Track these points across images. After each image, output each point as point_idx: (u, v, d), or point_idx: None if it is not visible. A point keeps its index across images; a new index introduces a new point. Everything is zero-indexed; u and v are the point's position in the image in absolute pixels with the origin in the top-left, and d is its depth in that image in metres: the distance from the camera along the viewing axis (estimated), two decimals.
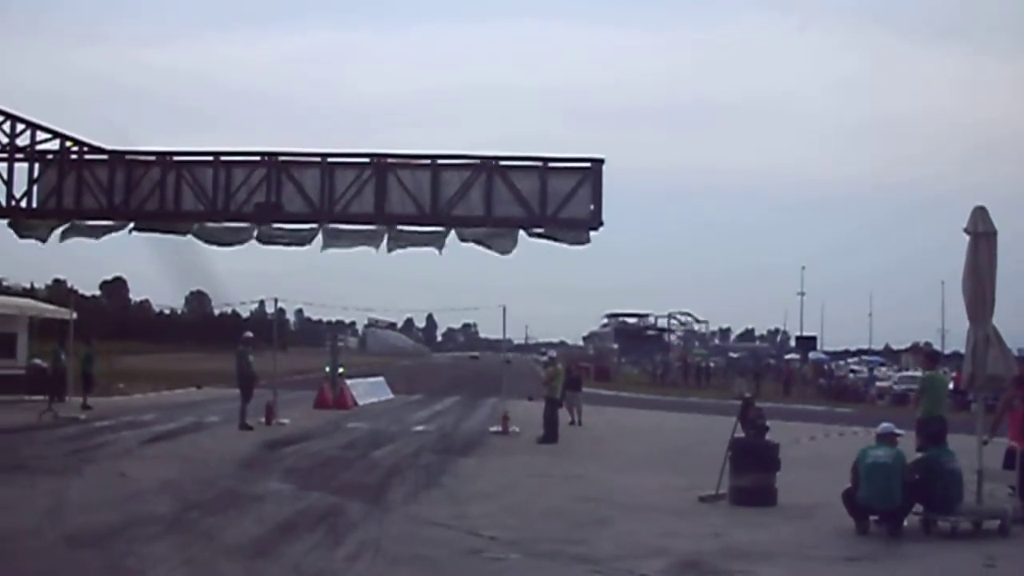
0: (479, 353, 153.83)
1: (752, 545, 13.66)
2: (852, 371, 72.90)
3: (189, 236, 26.85)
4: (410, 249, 26.63)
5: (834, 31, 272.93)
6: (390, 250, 26.44)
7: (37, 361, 37.35)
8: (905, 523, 14.37)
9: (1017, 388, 16.23)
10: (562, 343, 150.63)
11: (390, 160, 26.45)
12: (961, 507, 14.52)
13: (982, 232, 14.96)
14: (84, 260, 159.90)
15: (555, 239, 25.94)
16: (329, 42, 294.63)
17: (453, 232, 26.17)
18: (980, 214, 15.05)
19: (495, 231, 26.18)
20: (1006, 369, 15.22)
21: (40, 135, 28.18)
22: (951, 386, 26.45)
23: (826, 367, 77.78)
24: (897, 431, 14.85)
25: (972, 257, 14.97)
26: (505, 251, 26.43)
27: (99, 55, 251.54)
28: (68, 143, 28.52)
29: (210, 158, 27.12)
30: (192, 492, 16.90)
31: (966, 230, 15.06)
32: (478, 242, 26.24)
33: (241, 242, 26.80)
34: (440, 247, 26.38)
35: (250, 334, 30.84)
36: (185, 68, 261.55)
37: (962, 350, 16.13)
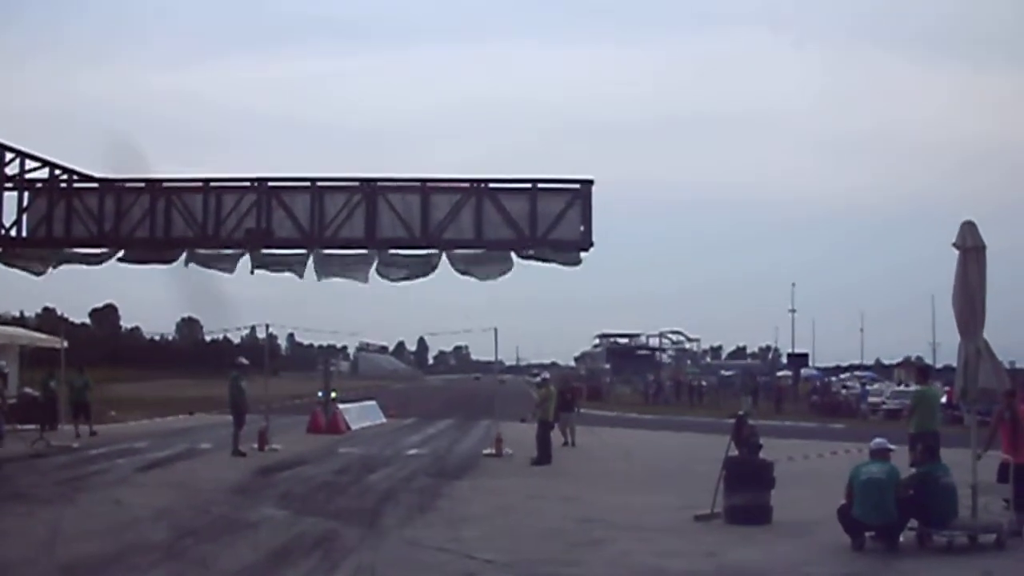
0: (480, 374, 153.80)
1: (748, 563, 13.68)
2: (845, 387, 73.00)
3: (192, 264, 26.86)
4: (403, 282, 26.62)
5: (826, 46, 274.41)
6: (382, 275, 26.41)
7: (28, 390, 37.24)
8: (901, 538, 14.40)
9: (1008, 401, 16.28)
10: (554, 364, 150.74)
11: (380, 184, 26.48)
12: (956, 521, 14.55)
13: (971, 247, 15.04)
14: (74, 288, 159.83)
15: (546, 261, 25.99)
16: (324, 63, 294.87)
17: (444, 258, 26.15)
18: (969, 229, 15.13)
19: (487, 254, 26.20)
20: (998, 383, 15.28)
21: (29, 163, 28.21)
22: (944, 400, 26.58)
23: (819, 383, 77.91)
24: (890, 446, 14.90)
25: (962, 272, 15.04)
26: (489, 277, 26.42)
27: (99, 80, 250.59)
28: (57, 171, 28.55)
29: (200, 184, 27.14)
30: (187, 519, 16.87)
31: (955, 245, 15.13)
32: (465, 272, 26.22)
33: (230, 269, 26.84)
34: (429, 272, 26.34)
35: (243, 360, 30.81)
36: (182, 91, 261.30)
37: (954, 364, 16.19)
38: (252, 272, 26.67)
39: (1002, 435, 16.53)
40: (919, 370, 25.46)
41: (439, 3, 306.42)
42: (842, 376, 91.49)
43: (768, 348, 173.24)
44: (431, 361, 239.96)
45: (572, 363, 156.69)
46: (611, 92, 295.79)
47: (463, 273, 26.17)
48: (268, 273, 26.92)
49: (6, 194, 27.97)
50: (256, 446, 28.94)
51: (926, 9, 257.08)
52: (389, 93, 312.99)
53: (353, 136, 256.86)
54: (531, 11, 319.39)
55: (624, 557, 14.10)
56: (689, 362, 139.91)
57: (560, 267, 26.15)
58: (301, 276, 26.72)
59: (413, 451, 30.98)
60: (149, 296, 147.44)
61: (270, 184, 26.68)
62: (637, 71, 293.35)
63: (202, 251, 26.88)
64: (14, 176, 28.09)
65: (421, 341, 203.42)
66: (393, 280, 26.47)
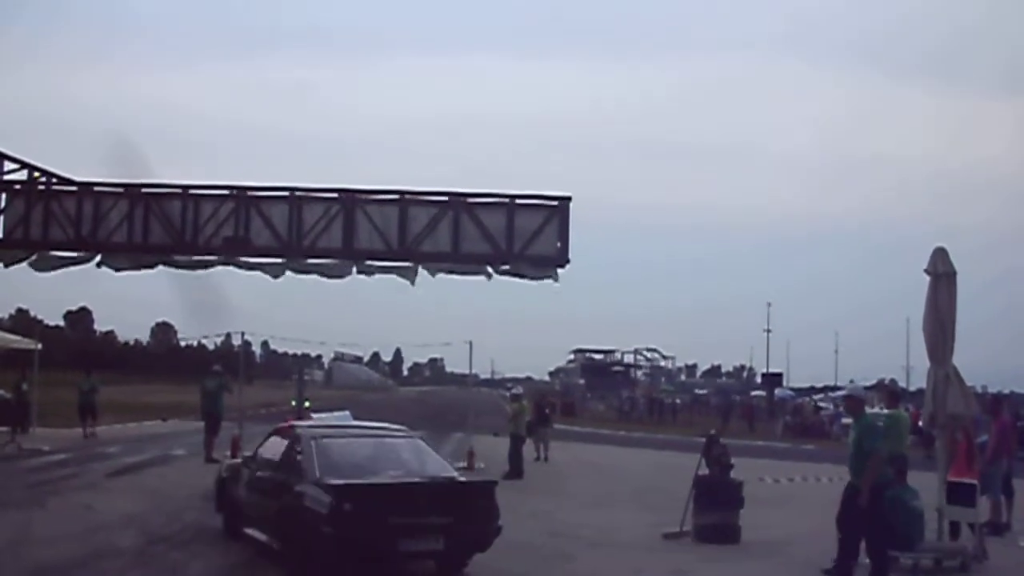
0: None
1: None
2: (819, 407, 73.25)
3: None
4: (379, 276, 26.60)
5: (808, 72, 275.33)
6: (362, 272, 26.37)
7: (0, 392, 37.07)
8: (867, 561, 14.53)
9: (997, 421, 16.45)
10: (529, 378, 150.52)
11: (358, 195, 26.49)
12: (923, 545, 14.69)
13: (942, 273, 15.21)
14: (48, 290, 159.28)
15: (522, 276, 26.01)
16: (297, 75, 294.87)
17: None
18: (940, 255, 15.30)
19: (463, 267, 26.24)
20: (966, 408, 15.43)
21: (8, 165, 28.10)
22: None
23: (793, 404, 78.22)
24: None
25: (932, 297, 15.20)
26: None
27: (76, 85, 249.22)
28: (36, 173, 28.47)
29: (178, 191, 27.09)
30: (158, 525, 16.86)
31: (926, 271, 15.29)
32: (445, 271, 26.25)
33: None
34: (412, 280, 26.35)
35: (217, 367, 30.78)
36: (157, 98, 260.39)
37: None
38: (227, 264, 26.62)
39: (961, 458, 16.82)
40: (889, 393, 25.46)
41: (414, 15, 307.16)
42: (816, 397, 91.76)
43: (743, 367, 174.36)
44: (406, 373, 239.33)
45: (547, 378, 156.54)
46: (589, 111, 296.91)
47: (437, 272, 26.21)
48: (241, 271, 26.87)
49: None
50: (229, 453, 28.88)
51: (912, 37, 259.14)
52: (363, 104, 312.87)
53: (327, 146, 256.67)
54: (508, 26, 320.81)
55: (592, 573, 14.21)
56: (663, 380, 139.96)
57: (536, 283, 26.18)
58: (275, 277, 26.68)
59: None
60: (124, 300, 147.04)
61: (248, 192, 26.66)
62: (617, 90, 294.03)
63: (179, 258, 26.82)
64: None
65: (397, 352, 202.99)
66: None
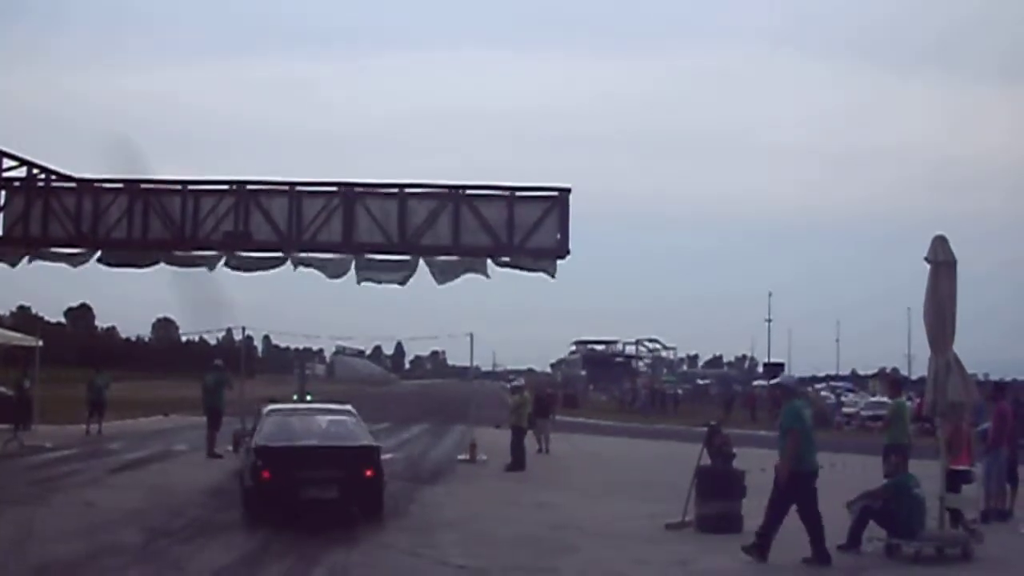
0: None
1: (719, 572, 13.82)
2: (820, 396, 73.18)
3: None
4: (380, 284, 26.55)
5: (809, 62, 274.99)
6: (359, 281, 26.30)
7: (2, 389, 37.07)
8: (869, 548, 14.57)
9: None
10: (530, 370, 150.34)
11: (358, 189, 26.43)
12: (924, 533, 14.70)
13: (942, 261, 15.19)
14: (49, 286, 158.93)
15: (523, 268, 25.98)
16: (298, 70, 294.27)
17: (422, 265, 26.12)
18: (940, 243, 15.28)
19: (462, 261, 26.19)
20: (966, 396, 15.43)
21: (7, 162, 28.06)
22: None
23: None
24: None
25: (933, 285, 15.18)
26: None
27: (77, 81, 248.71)
28: (35, 170, 28.43)
29: (178, 186, 27.05)
30: (160, 521, 16.88)
31: (927, 259, 15.28)
32: (443, 280, 26.18)
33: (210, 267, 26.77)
34: (406, 279, 26.29)
35: (219, 362, 30.80)
36: (157, 94, 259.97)
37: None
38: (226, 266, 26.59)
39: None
40: (891, 382, 25.58)
41: (411, 8, 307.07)
42: (817, 386, 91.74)
43: (744, 357, 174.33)
44: (407, 366, 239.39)
45: (548, 369, 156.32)
46: (588, 103, 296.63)
47: (442, 282, 26.17)
48: (242, 274, 26.86)
49: None
50: (231, 448, 28.92)
51: (913, 27, 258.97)
52: (361, 98, 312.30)
53: (326, 140, 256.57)
54: (505, 19, 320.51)
55: (596, 564, 14.20)
56: (665, 370, 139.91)
57: (535, 274, 26.14)
58: (274, 267, 26.65)
59: (387, 456, 30.72)
60: (125, 296, 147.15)
61: (248, 187, 26.61)
62: (617, 82, 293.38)
63: (179, 253, 26.78)
64: None
65: (398, 346, 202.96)
66: (372, 282, 26.42)
